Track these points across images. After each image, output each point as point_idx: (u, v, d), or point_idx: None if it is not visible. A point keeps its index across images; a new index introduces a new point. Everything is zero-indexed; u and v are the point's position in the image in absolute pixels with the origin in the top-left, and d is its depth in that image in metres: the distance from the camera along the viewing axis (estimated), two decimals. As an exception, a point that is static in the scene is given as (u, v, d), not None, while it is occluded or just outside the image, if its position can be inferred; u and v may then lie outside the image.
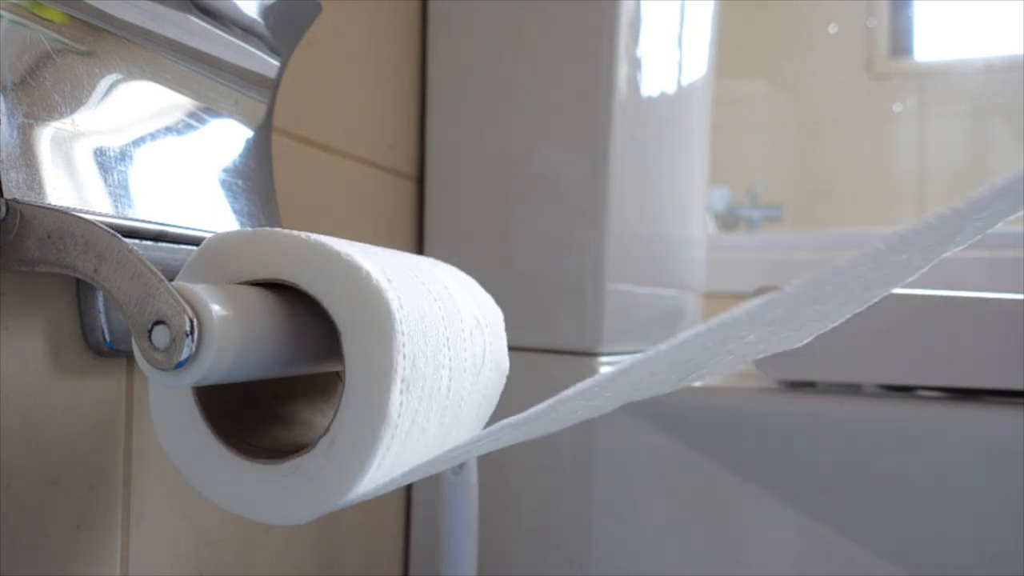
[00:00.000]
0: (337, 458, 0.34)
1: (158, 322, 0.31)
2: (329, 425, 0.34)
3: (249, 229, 0.36)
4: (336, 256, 0.34)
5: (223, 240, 0.36)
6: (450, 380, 0.39)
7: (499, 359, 0.48)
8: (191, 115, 0.48)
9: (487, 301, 0.50)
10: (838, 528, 0.68)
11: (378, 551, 0.75)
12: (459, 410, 0.42)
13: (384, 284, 0.34)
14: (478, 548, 0.62)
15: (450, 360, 0.39)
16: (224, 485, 0.35)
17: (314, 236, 0.35)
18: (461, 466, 0.56)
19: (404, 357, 0.34)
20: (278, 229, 0.36)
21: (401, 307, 0.35)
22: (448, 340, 0.39)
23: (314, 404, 0.43)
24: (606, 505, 0.74)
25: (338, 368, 0.34)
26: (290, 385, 0.43)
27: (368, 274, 0.34)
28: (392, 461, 0.36)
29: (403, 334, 0.34)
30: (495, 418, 0.52)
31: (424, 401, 0.36)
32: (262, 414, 0.40)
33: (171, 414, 0.36)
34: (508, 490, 0.76)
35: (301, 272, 0.34)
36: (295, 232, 0.35)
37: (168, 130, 0.46)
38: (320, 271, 0.34)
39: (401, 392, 0.34)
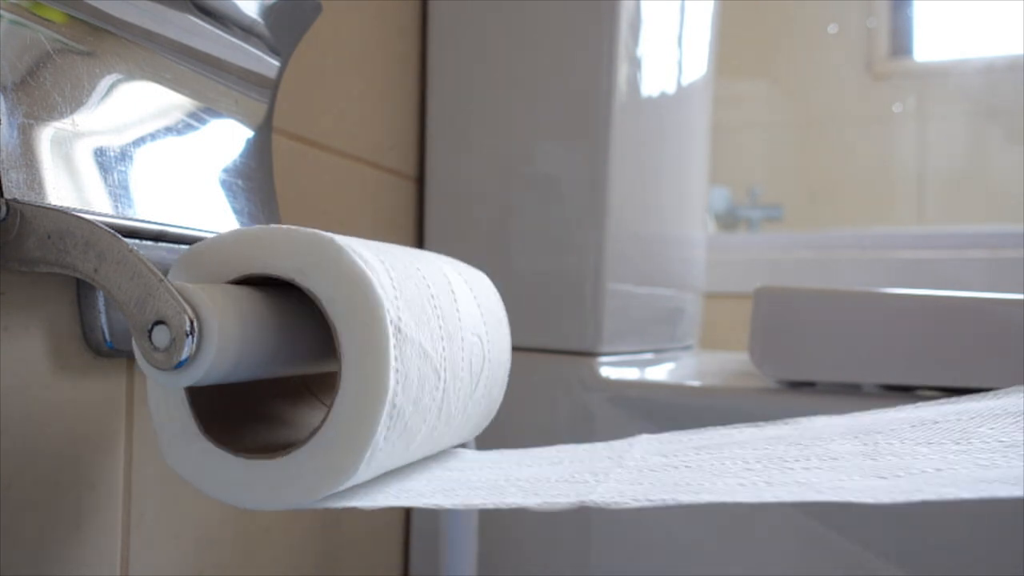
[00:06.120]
0: (328, 454, 0.33)
1: (158, 322, 0.31)
2: (322, 422, 0.34)
3: (241, 228, 0.36)
4: (336, 253, 0.34)
5: (213, 240, 0.36)
6: (446, 383, 0.39)
7: (500, 360, 0.48)
8: (191, 115, 0.48)
9: (492, 298, 0.50)
10: (838, 528, 0.67)
11: (378, 551, 0.75)
12: (456, 411, 0.42)
13: (384, 285, 0.34)
14: (478, 548, 0.62)
15: (447, 361, 0.39)
16: (213, 479, 0.35)
17: (313, 231, 0.35)
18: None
19: (400, 361, 0.34)
20: (275, 225, 0.35)
21: (399, 308, 0.35)
22: (447, 341, 0.39)
23: (301, 404, 0.43)
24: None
25: (334, 368, 0.34)
26: (278, 386, 0.42)
27: (367, 274, 0.34)
28: (381, 462, 0.36)
29: (399, 335, 0.34)
30: (495, 419, 0.52)
31: (420, 404, 0.36)
32: (252, 414, 0.40)
33: (167, 412, 0.36)
34: (508, 490, 0.76)
35: (299, 269, 0.34)
36: (294, 228, 0.35)
37: (168, 130, 0.46)
38: (318, 268, 0.34)
39: (395, 395, 0.34)
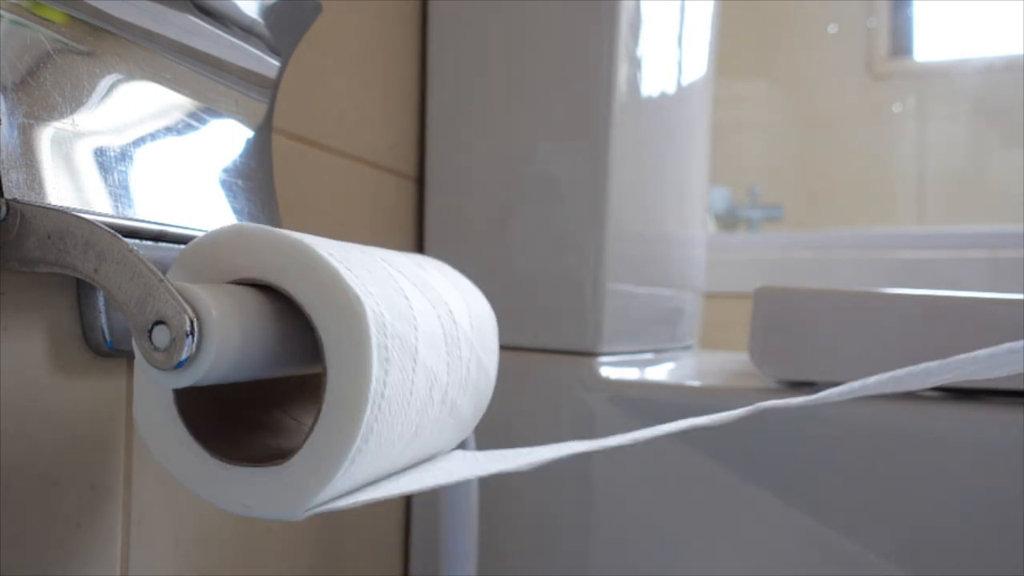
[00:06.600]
0: (312, 460, 0.34)
1: (158, 322, 0.31)
2: (309, 431, 0.34)
3: (231, 227, 0.35)
4: (315, 260, 0.34)
5: (207, 242, 0.36)
6: (432, 386, 0.39)
7: (487, 364, 0.48)
8: (191, 115, 0.48)
9: (479, 303, 0.49)
10: (838, 528, 0.68)
11: (378, 551, 0.75)
12: (440, 416, 0.42)
13: (363, 288, 0.34)
14: (478, 548, 0.62)
15: (433, 366, 0.39)
16: (202, 482, 0.35)
17: (296, 238, 0.35)
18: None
19: (384, 362, 0.34)
20: (259, 228, 0.35)
21: (382, 312, 0.35)
22: (432, 347, 0.39)
23: (291, 409, 0.43)
24: (606, 505, 0.74)
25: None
26: (268, 390, 0.42)
27: (346, 280, 0.33)
28: (365, 466, 0.36)
29: (383, 337, 0.34)
30: (489, 418, 0.53)
31: (403, 406, 0.36)
32: (239, 419, 0.40)
33: (153, 414, 0.36)
34: (508, 490, 0.76)
35: (284, 276, 0.34)
36: (277, 233, 0.35)
37: (168, 130, 0.46)
38: (300, 276, 0.34)
39: (377, 398, 0.34)
